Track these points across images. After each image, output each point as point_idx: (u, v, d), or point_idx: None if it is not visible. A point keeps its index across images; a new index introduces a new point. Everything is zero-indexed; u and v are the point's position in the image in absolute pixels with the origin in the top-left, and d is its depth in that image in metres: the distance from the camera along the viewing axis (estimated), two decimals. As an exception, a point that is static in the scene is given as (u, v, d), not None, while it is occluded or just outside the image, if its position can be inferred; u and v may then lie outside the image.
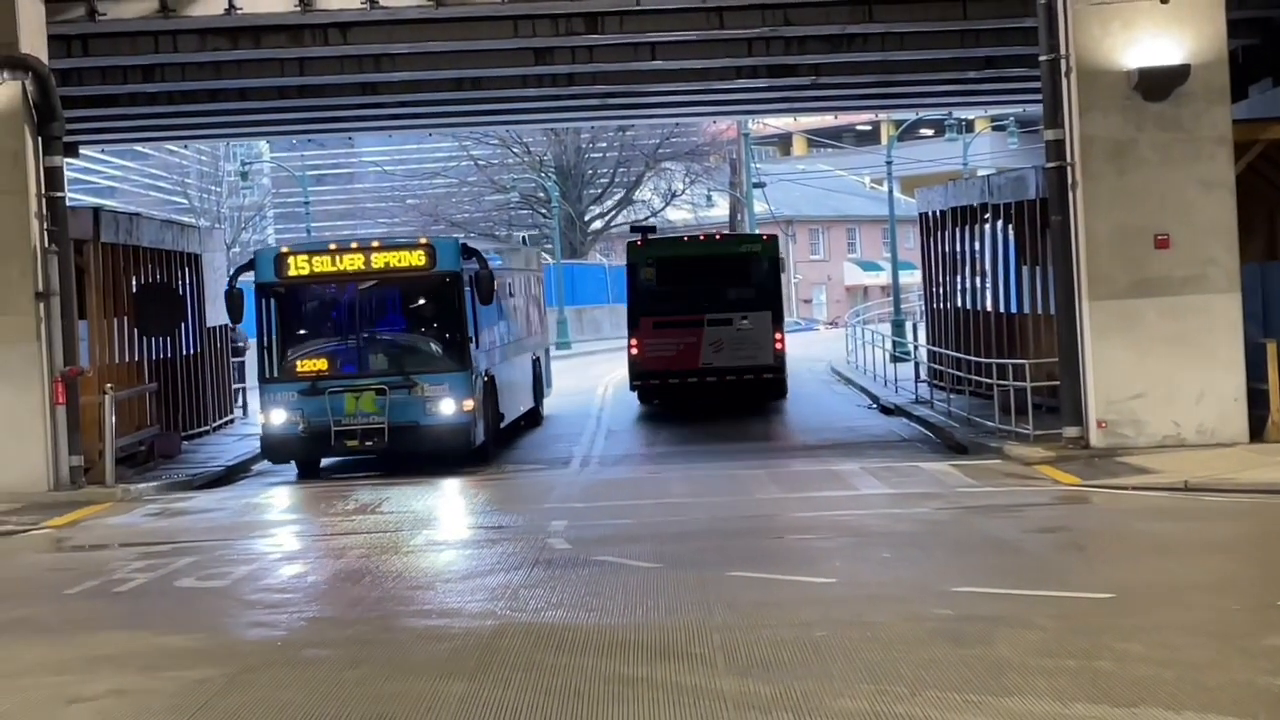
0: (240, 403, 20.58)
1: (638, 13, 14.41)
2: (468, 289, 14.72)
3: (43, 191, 13.23)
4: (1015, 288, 17.17)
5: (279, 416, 14.33)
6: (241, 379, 20.66)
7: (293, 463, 14.85)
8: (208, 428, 18.60)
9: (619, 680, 6.30)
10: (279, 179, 48.14)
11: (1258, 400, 12.86)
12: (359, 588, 9.29)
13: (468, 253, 14.96)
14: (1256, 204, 14.59)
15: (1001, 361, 16.59)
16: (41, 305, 13.18)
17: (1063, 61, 12.78)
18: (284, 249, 15.50)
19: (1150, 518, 10.95)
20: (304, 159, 44.75)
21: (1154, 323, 12.76)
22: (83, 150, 22.35)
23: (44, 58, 13.20)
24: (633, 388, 20.68)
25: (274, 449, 14.69)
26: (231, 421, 19.40)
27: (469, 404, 14.43)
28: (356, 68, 16.20)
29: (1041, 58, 13.14)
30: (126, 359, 16.65)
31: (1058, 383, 14.11)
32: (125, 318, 16.39)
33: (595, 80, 17.84)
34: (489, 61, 16.38)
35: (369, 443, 14.09)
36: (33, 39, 13.12)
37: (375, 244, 15.30)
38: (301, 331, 15.29)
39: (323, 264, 14.70)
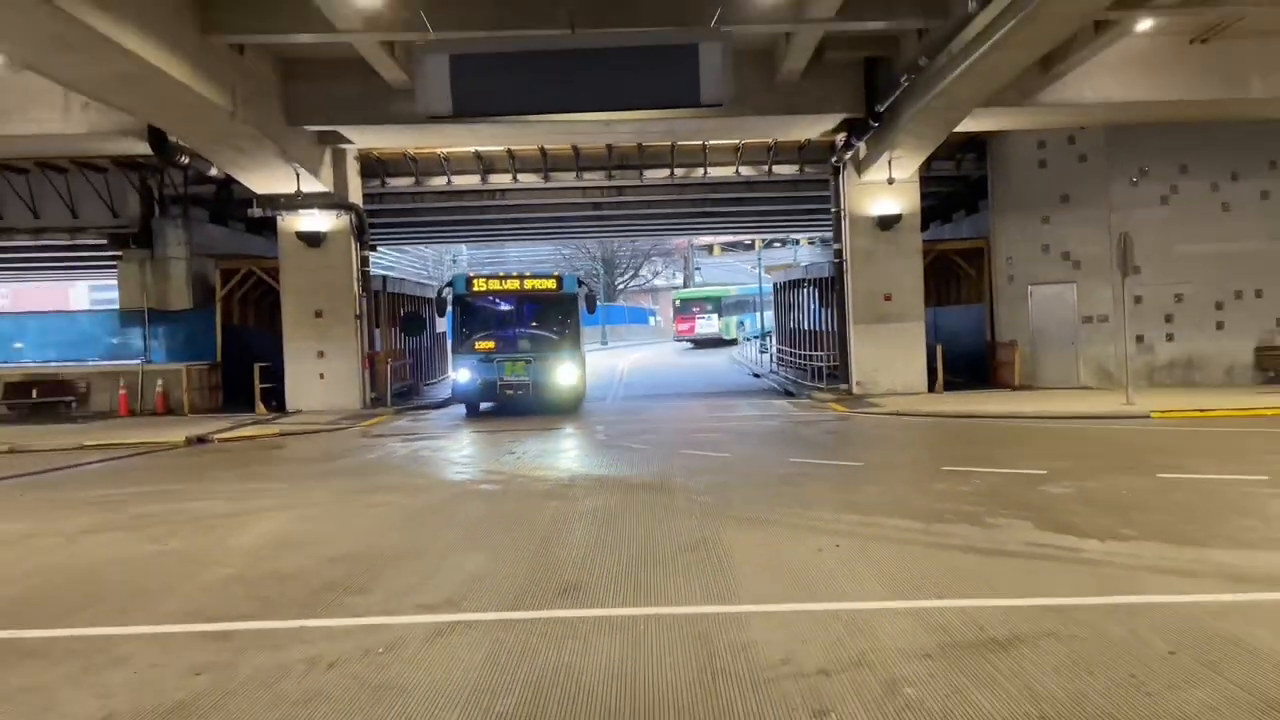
0: (451, 370, 30.04)
1: (642, 186, 24.20)
2: (580, 304, 19.95)
3: (359, 267, 20.75)
4: (818, 318, 25.79)
5: (465, 375, 19.41)
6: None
7: (465, 404, 19.94)
8: (434, 380, 28.09)
9: (633, 494, 9.82)
10: (471, 261, 74.92)
11: (932, 372, 20.40)
12: (507, 457, 13.17)
13: (580, 282, 20.39)
14: (935, 278, 22.55)
15: (811, 352, 25.18)
16: (358, 321, 20.51)
17: (843, 212, 20.58)
18: (471, 274, 20.32)
19: (880, 428, 15.56)
20: (482, 252, 71.84)
21: (884, 335, 20.24)
22: (378, 248, 31.97)
23: (360, 203, 21.05)
24: (676, 340, 53.68)
25: (460, 392, 19.72)
26: (445, 378, 28.40)
27: (581, 374, 19.65)
28: (507, 209, 25.81)
29: (833, 210, 21.20)
30: (397, 347, 24.45)
31: (838, 363, 21.83)
32: (397, 327, 24.55)
33: (621, 216, 28.16)
34: (568, 208, 26.44)
35: (519, 393, 18.93)
36: (355, 195, 21.03)
37: (527, 274, 20.38)
38: (480, 324, 19.89)
39: (494, 285, 20.06)
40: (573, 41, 11.42)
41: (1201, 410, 16.15)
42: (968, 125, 18.87)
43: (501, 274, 20.36)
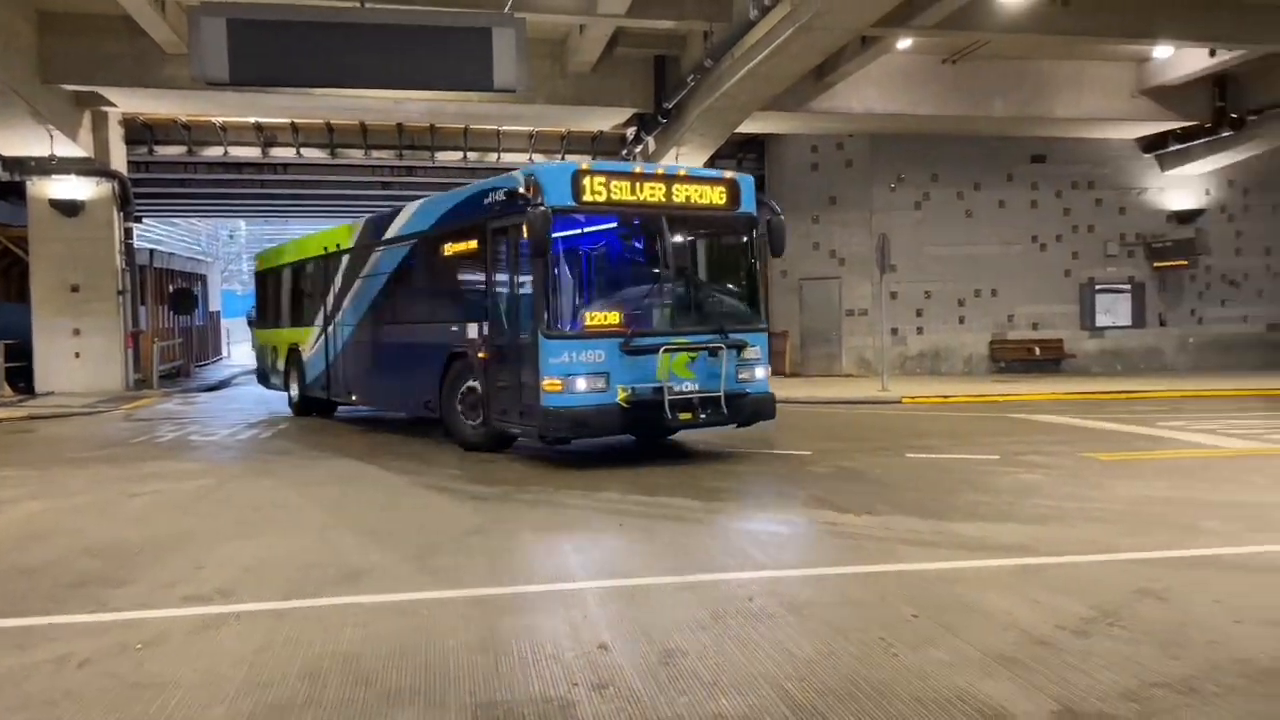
0: (226, 351, 30.98)
1: (434, 167, 24.09)
2: (761, 237, 10.86)
3: (122, 239, 20.17)
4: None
5: (583, 383, 9.54)
6: (245, 338, 31.14)
7: (554, 437, 9.94)
8: (207, 362, 27.60)
9: (421, 478, 11.15)
10: (250, 237, 69.99)
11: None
12: (277, 440, 13.46)
13: (760, 202, 10.95)
14: None
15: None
16: (121, 297, 19.99)
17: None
18: (582, 165, 10.14)
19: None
20: (262, 228, 64.13)
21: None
22: (145, 220, 29.79)
23: (125, 171, 20.54)
24: None
25: (581, 423, 9.62)
26: (219, 359, 28.34)
27: (769, 369, 10.97)
28: (289, 184, 25.03)
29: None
30: (166, 325, 23.94)
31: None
32: (166, 305, 24.04)
33: (412, 197, 26.30)
34: (356, 185, 25.90)
35: (704, 414, 9.97)
36: (119, 163, 20.47)
37: (682, 172, 10.38)
38: (601, 274, 10.64)
39: (622, 190, 9.86)
40: (363, 16, 11.08)
41: (944, 396, 17.89)
42: (749, 126, 19.85)
43: (638, 168, 10.30)
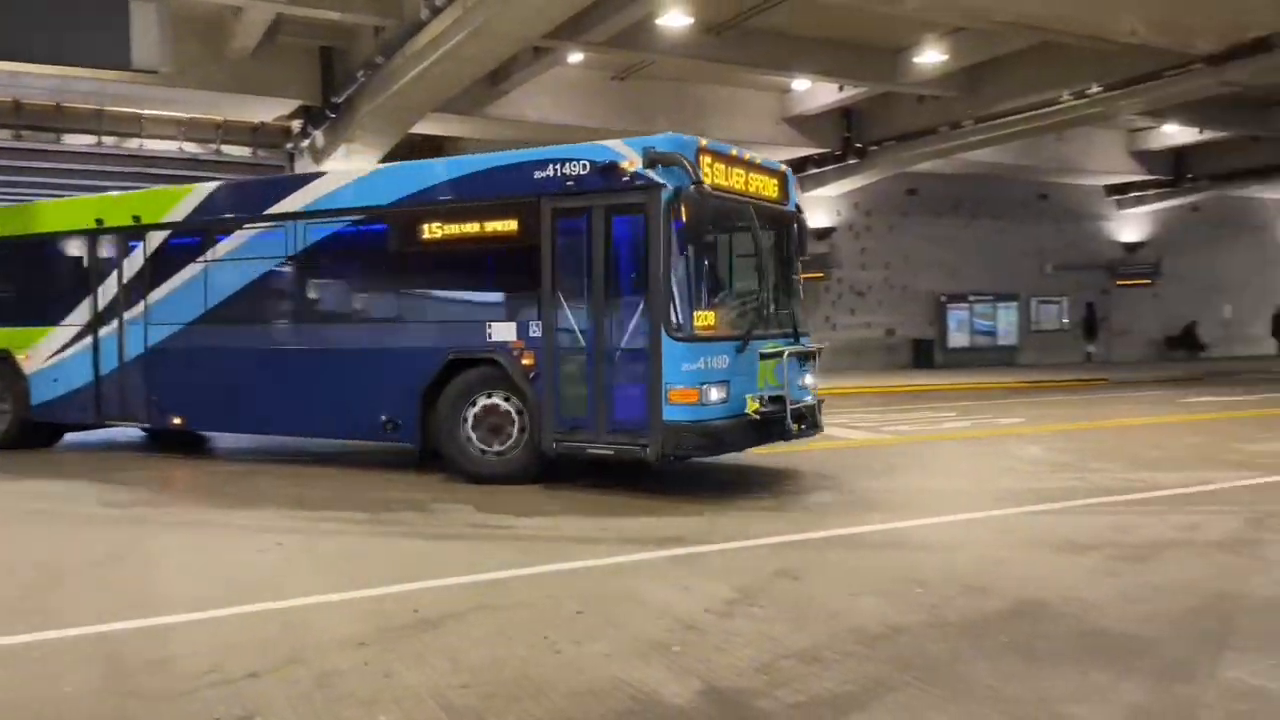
0: None
1: (61, 151, 21.84)
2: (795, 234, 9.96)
3: None
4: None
5: (715, 392, 8.40)
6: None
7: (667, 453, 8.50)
8: None
9: (43, 500, 10.51)
10: None
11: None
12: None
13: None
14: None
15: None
16: None
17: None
18: (702, 141, 8.73)
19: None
20: None
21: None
22: None
23: None
24: None
25: (715, 438, 8.57)
26: None
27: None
28: None
29: (289, 198, 23.09)
30: None
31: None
32: None
33: (34, 184, 25.21)
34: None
35: (804, 425, 9.29)
36: None
37: (758, 160, 9.55)
38: (718, 270, 9.42)
39: (719, 173, 8.83)
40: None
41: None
42: (425, 127, 19.64)
43: (733, 151, 9.21)
